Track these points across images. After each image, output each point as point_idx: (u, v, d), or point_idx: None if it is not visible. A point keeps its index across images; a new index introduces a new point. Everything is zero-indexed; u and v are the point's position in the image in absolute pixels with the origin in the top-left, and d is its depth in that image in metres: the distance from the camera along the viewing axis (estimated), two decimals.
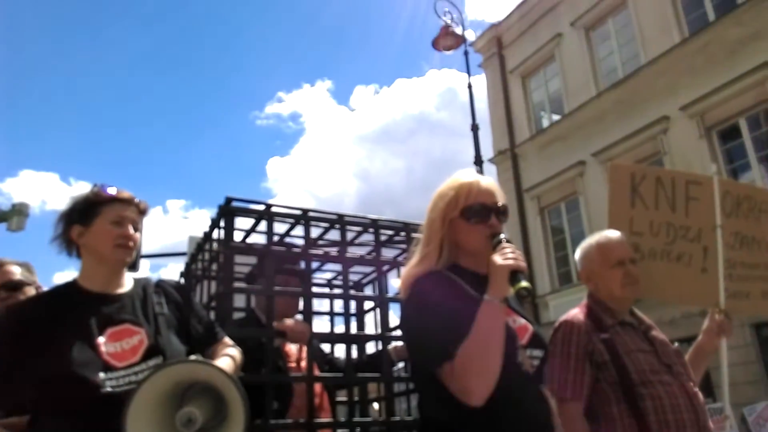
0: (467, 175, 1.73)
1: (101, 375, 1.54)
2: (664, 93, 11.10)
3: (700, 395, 2.05)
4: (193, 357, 1.59)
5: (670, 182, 2.54)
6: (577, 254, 2.32)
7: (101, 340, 1.60)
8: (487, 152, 12.92)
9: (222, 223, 2.33)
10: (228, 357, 1.75)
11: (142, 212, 1.82)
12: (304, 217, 2.44)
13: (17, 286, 2.33)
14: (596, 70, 12.88)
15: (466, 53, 11.31)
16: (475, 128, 10.86)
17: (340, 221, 2.51)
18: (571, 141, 12.87)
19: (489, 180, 1.73)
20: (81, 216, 1.73)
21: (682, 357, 2.17)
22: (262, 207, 2.39)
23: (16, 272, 2.40)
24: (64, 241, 1.76)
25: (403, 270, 1.73)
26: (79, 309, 1.65)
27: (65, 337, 1.57)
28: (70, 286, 1.74)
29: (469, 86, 11.00)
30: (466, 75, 11.16)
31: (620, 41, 12.56)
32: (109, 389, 1.52)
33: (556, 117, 13.92)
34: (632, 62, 12.12)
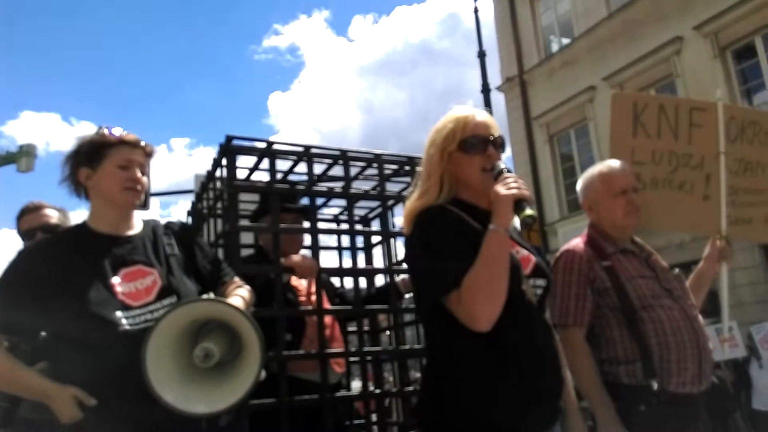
0: (463, 109, 1.75)
1: (118, 314, 1.59)
2: (678, 12, 10.70)
3: (700, 318, 2.10)
4: (206, 296, 1.65)
5: (674, 110, 2.51)
6: (579, 184, 2.33)
7: (116, 280, 1.66)
8: (493, 81, 12.62)
9: (224, 162, 2.34)
10: (239, 296, 1.80)
11: (149, 155, 1.83)
12: (306, 154, 2.44)
13: (53, 229, 2.37)
14: None
15: None
16: (482, 55, 10.60)
17: (343, 157, 2.51)
18: (581, 66, 12.54)
19: (484, 113, 1.75)
20: (88, 158, 1.74)
21: (682, 282, 2.21)
22: (263, 145, 2.40)
23: (53, 216, 2.46)
24: (73, 183, 1.78)
25: (406, 204, 1.76)
26: (91, 250, 1.69)
27: (81, 277, 1.62)
28: (81, 228, 1.78)
29: (476, 11, 10.68)
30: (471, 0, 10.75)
31: None
32: (127, 327, 1.58)
33: (566, 41, 13.51)
34: None
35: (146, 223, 1.86)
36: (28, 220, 2.46)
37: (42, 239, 1.94)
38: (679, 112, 2.51)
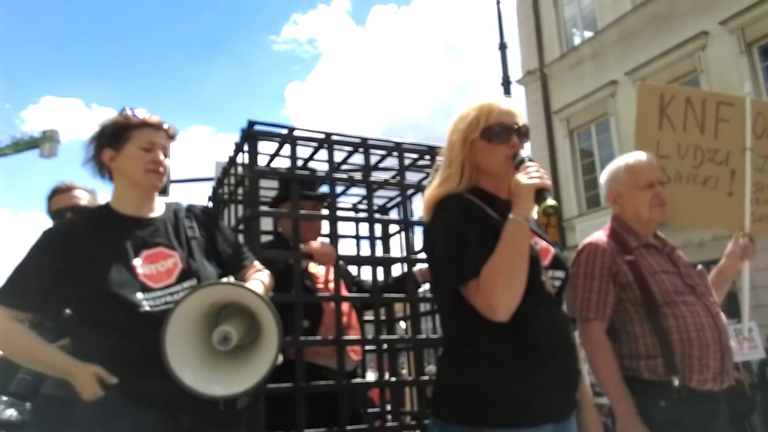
0: (488, 96, 1.71)
1: (139, 295, 1.60)
2: (703, 7, 10.50)
3: (723, 315, 2.07)
4: (225, 279, 1.65)
5: (701, 103, 2.46)
6: (604, 176, 2.29)
7: (137, 262, 1.67)
8: (514, 73, 12.50)
9: (245, 148, 2.34)
10: (258, 280, 1.81)
11: (171, 137, 1.83)
12: (327, 141, 2.44)
13: (83, 210, 2.39)
14: None
15: None
16: (503, 47, 10.50)
17: (363, 144, 2.50)
18: (603, 59, 12.37)
19: (510, 101, 1.70)
20: (111, 140, 1.75)
21: (705, 278, 2.17)
22: (285, 131, 2.40)
23: (83, 197, 2.49)
24: (97, 164, 1.80)
25: (425, 192, 1.74)
26: (114, 231, 1.70)
27: (103, 258, 1.63)
28: (104, 209, 1.79)
29: (497, 2, 10.57)
30: None
31: None
32: (147, 308, 1.59)
33: (588, 34, 13.32)
34: None
35: (168, 206, 1.87)
36: (59, 200, 2.49)
37: (66, 220, 1.96)
38: (706, 106, 2.47)
